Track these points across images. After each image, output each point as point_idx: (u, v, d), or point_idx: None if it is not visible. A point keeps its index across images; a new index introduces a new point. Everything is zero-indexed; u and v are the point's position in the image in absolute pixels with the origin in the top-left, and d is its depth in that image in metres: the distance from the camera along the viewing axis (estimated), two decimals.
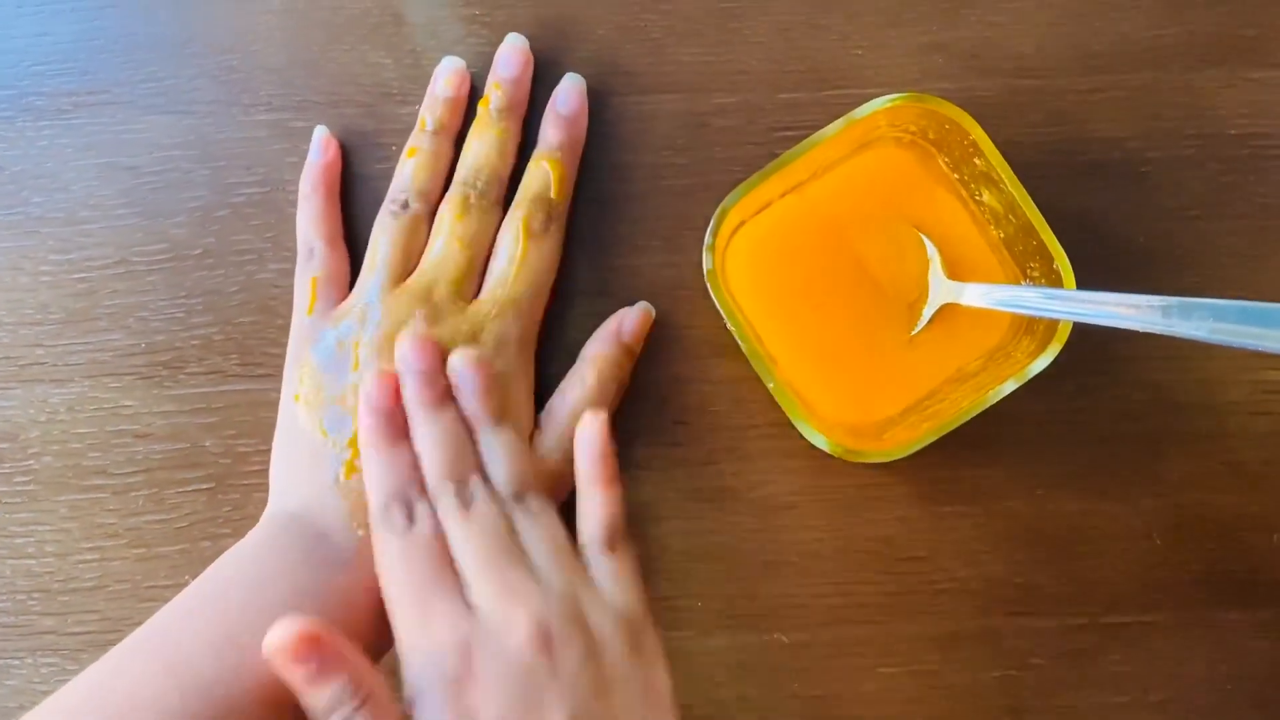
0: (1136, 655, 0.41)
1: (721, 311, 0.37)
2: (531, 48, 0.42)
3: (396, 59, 0.44)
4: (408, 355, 0.37)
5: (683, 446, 0.41)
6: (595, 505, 0.35)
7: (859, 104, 0.38)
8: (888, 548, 0.41)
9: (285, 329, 0.41)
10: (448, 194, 0.41)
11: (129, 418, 0.42)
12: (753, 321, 0.39)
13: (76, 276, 0.43)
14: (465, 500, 0.35)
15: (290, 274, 0.42)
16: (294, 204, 0.42)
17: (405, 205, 0.40)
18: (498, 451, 0.37)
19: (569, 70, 0.43)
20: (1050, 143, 0.43)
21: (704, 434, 0.41)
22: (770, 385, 0.37)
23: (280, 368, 0.40)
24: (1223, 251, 0.42)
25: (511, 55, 0.42)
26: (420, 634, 0.33)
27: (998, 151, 0.37)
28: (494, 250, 0.40)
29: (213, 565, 0.36)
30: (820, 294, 0.40)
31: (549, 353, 0.42)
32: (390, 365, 0.38)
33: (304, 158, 0.42)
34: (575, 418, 0.38)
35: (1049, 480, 0.42)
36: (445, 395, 0.37)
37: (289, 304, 0.41)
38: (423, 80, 0.43)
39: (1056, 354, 0.37)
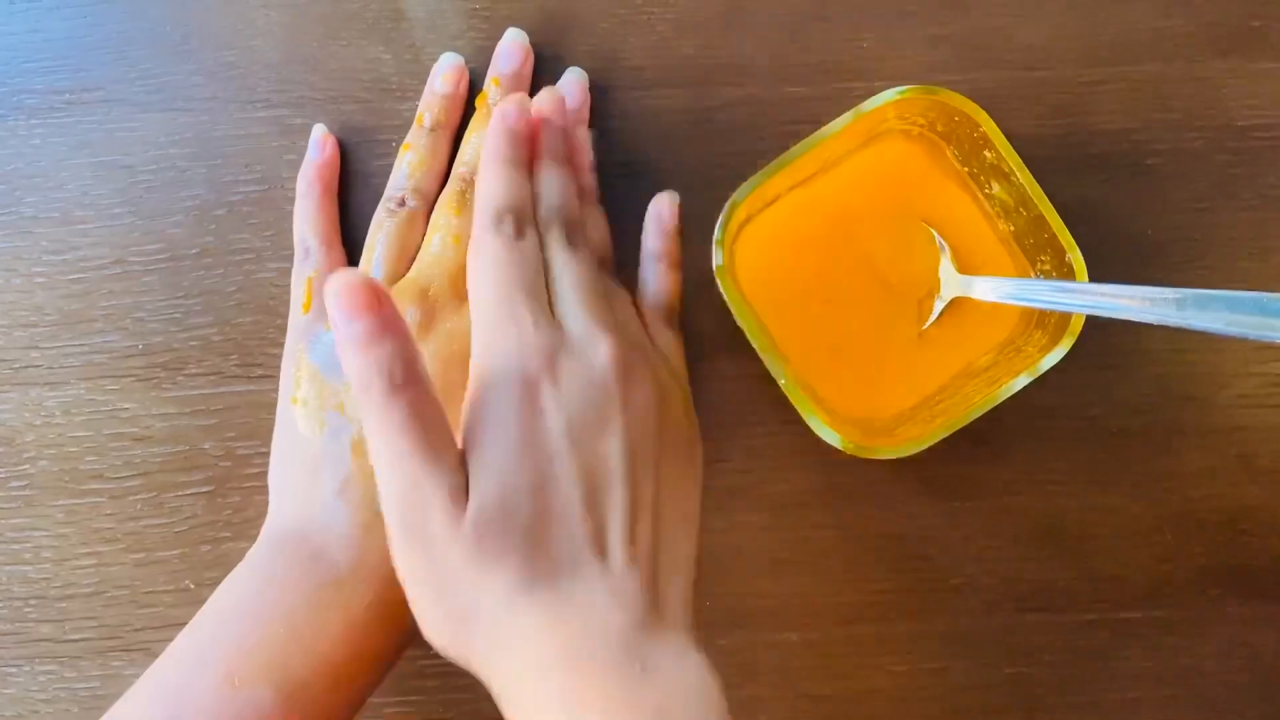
0: (1148, 650, 0.41)
1: (731, 307, 0.37)
2: (532, 42, 0.42)
3: (396, 54, 0.43)
4: (552, 106, 0.38)
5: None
6: (660, 280, 0.39)
7: (865, 97, 0.38)
8: (898, 544, 0.41)
9: (284, 329, 0.40)
10: (445, 190, 0.40)
11: (126, 420, 0.41)
12: (762, 317, 0.38)
13: (72, 277, 0.42)
14: (572, 240, 0.36)
15: (289, 273, 0.41)
16: (292, 202, 0.42)
17: (402, 202, 0.40)
18: (598, 224, 0.40)
19: (572, 65, 0.42)
20: (1057, 135, 0.43)
21: (712, 431, 0.41)
22: (782, 382, 0.36)
23: (280, 369, 0.40)
24: (1231, 243, 0.42)
25: (512, 49, 0.42)
26: (504, 331, 0.32)
27: (1008, 143, 0.37)
28: None
29: (210, 599, 0.35)
30: (829, 289, 0.39)
31: None
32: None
33: (303, 155, 0.42)
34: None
35: (1058, 475, 0.41)
36: (567, 161, 0.39)
37: (289, 304, 0.41)
38: (422, 76, 0.42)
39: (1069, 348, 0.36)
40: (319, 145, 0.42)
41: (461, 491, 0.30)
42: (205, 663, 0.34)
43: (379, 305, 0.29)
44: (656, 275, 0.39)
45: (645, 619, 0.30)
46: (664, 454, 0.33)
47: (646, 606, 0.30)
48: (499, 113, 0.37)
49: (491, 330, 0.33)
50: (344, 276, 0.28)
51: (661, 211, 0.40)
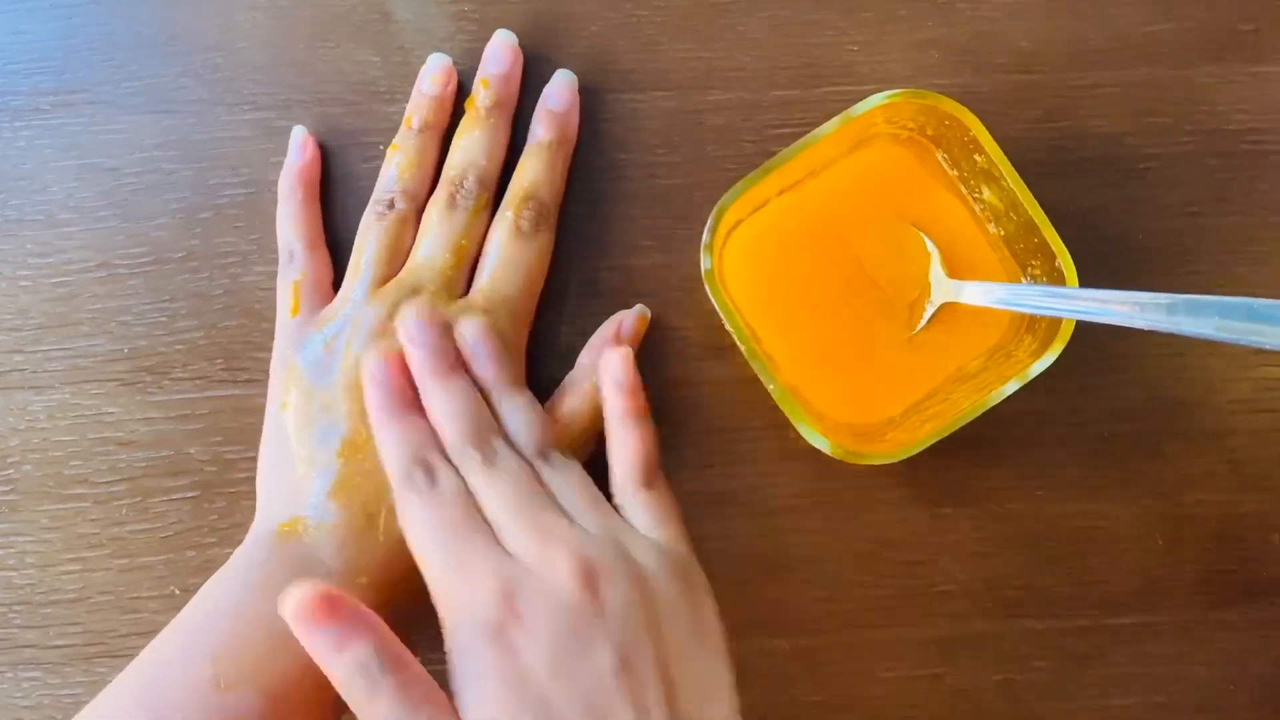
0: (1139, 656, 0.41)
1: (720, 312, 0.37)
2: (521, 45, 0.42)
3: (384, 56, 0.43)
4: (413, 330, 0.36)
5: (680, 450, 0.41)
6: (626, 443, 0.35)
7: (854, 101, 0.38)
8: (888, 550, 0.41)
9: (271, 333, 0.40)
10: (435, 193, 0.40)
11: (111, 425, 0.41)
12: (751, 322, 0.38)
13: (56, 280, 0.42)
14: (488, 458, 0.34)
15: (276, 276, 0.41)
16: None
17: (391, 205, 0.40)
18: (517, 413, 0.36)
19: (559, 67, 0.42)
20: (1047, 139, 0.42)
21: (700, 437, 0.41)
22: (771, 387, 0.36)
23: (266, 373, 0.40)
24: (1223, 248, 0.42)
25: (500, 51, 0.41)
26: (458, 585, 0.31)
27: (998, 147, 0.37)
28: (483, 250, 0.40)
29: (194, 599, 0.35)
30: (818, 294, 0.39)
31: (540, 355, 0.41)
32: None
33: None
34: (571, 426, 0.37)
35: (1049, 480, 0.41)
36: (456, 364, 0.37)
37: (275, 307, 0.40)
38: (410, 78, 0.42)
39: (1059, 353, 0.36)
40: (300, 147, 0.41)
41: None
42: (190, 664, 0.33)
43: (336, 611, 0.28)
44: (622, 440, 0.35)
45: None
46: (664, 644, 0.31)
47: None
48: (364, 374, 0.36)
49: (445, 588, 0.32)
50: (295, 595, 0.28)
51: (615, 371, 0.36)
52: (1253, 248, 0.42)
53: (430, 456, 0.34)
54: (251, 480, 0.39)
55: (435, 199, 0.40)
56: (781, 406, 0.36)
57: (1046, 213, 0.37)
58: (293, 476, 0.37)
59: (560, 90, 0.41)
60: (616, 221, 0.42)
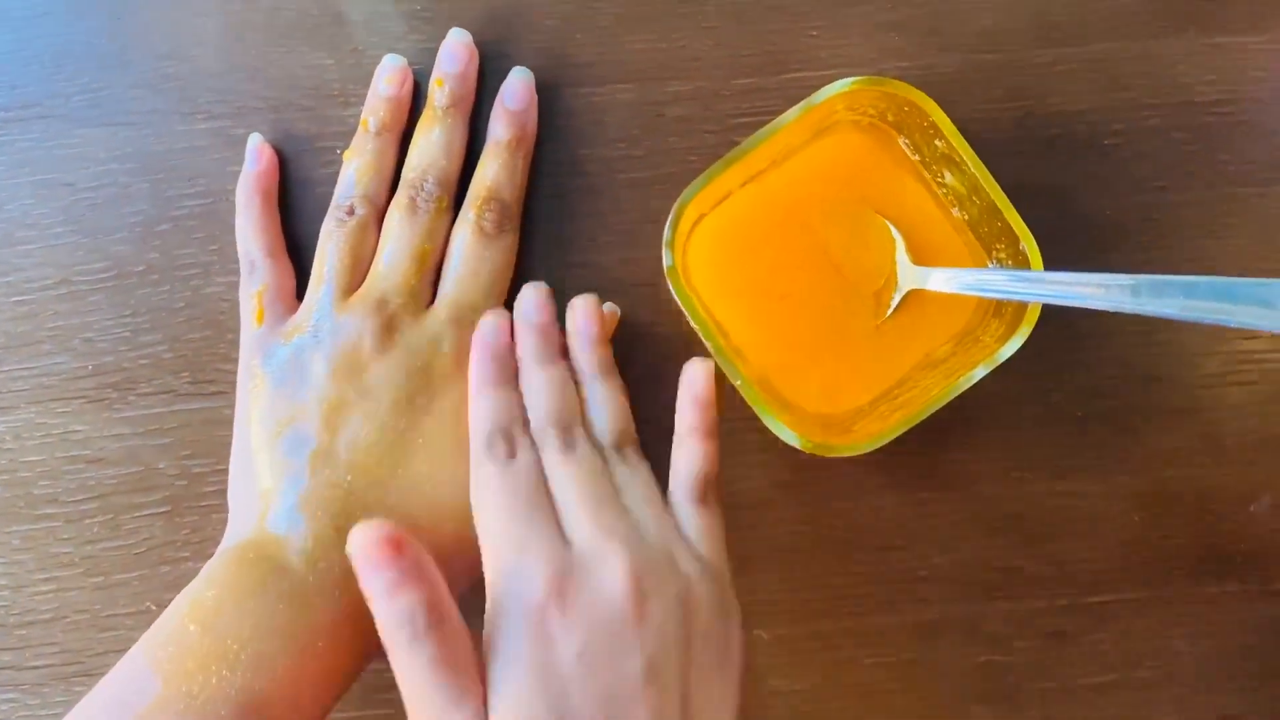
0: (1120, 633, 0.41)
1: (683, 308, 0.36)
2: (477, 42, 0.41)
3: (338, 59, 0.42)
4: (529, 309, 0.38)
5: (651, 448, 0.40)
6: (691, 456, 0.36)
7: (817, 87, 0.37)
8: (864, 538, 0.41)
9: (236, 344, 0.40)
10: (395, 197, 0.40)
11: (79, 443, 0.41)
12: (717, 316, 0.38)
13: (16, 299, 0.41)
14: (568, 444, 0.35)
15: (238, 287, 0.41)
16: None
17: (351, 211, 0.39)
18: (602, 402, 0.37)
19: (516, 64, 0.41)
20: (1012, 118, 0.42)
21: (672, 433, 0.40)
22: (737, 382, 0.36)
23: (233, 384, 0.39)
24: (1191, 222, 0.42)
25: (455, 49, 0.41)
26: (514, 557, 0.32)
27: (958, 132, 0.37)
28: (447, 253, 0.39)
29: (167, 612, 0.35)
30: (784, 285, 0.39)
31: None
32: (353, 382, 0.37)
33: None
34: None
35: (1024, 462, 0.41)
36: (559, 350, 0.38)
37: (239, 318, 0.40)
38: (365, 80, 0.41)
39: (1026, 337, 0.36)
40: (255, 155, 0.41)
41: None
42: (168, 680, 0.33)
43: (400, 556, 0.29)
44: (688, 453, 0.36)
45: None
46: (690, 661, 0.32)
47: None
48: (477, 335, 0.37)
49: (498, 558, 0.33)
50: (365, 532, 0.29)
51: (695, 385, 0.36)
52: (1222, 221, 0.42)
53: (515, 429, 0.36)
54: (222, 493, 0.39)
55: (396, 203, 0.39)
56: (749, 401, 0.36)
57: (1014, 193, 0.37)
58: (261, 488, 0.37)
59: (517, 88, 0.41)
60: (580, 218, 0.42)
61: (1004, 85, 0.42)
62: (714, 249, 0.39)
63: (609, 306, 0.40)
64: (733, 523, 0.40)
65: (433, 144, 0.40)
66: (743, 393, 0.36)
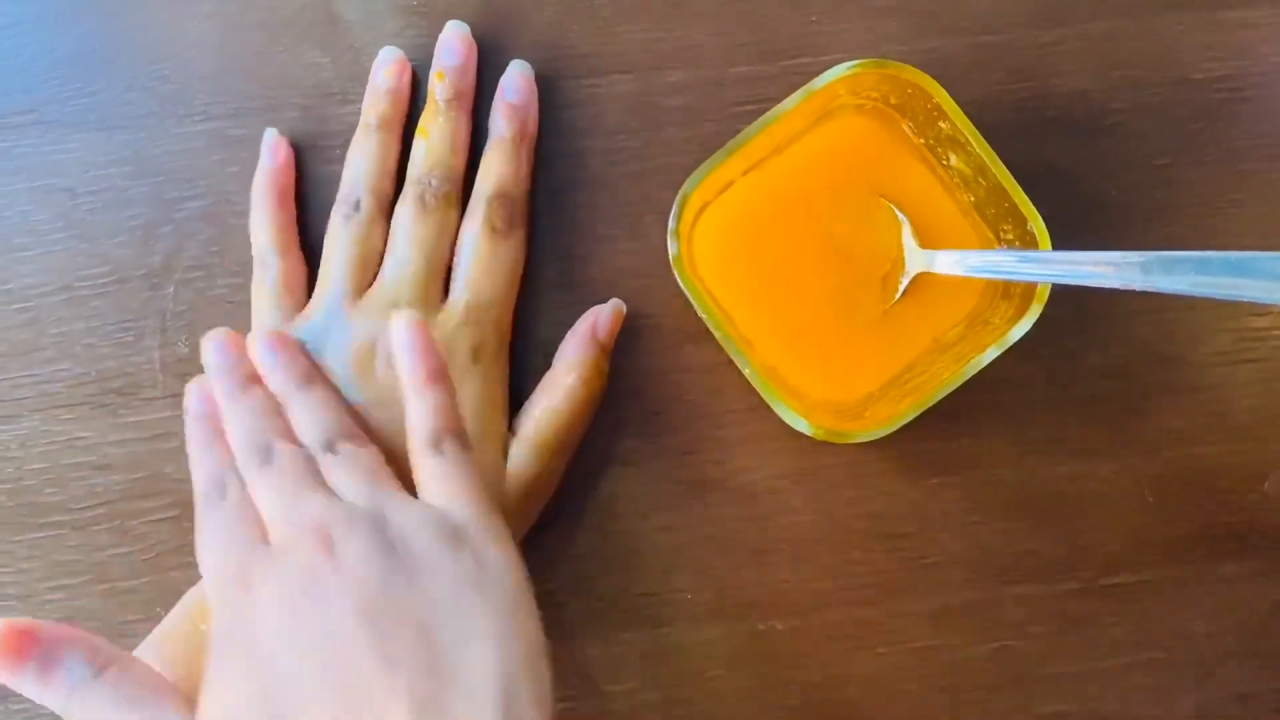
0: (1134, 615, 0.41)
1: (690, 297, 0.36)
2: (474, 35, 0.41)
3: (334, 58, 0.42)
4: (209, 354, 0.37)
5: (660, 438, 0.40)
6: (417, 407, 0.33)
7: (817, 73, 0.37)
8: (876, 525, 0.41)
9: None
10: (403, 195, 0.39)
11: (84, 449, 0.41)
12: (724, 305, 0.38)
13: (17, 307, 0.41)
14: (264, 460, 0.33)
15: (242, 288, 0.41)
16: (239, 215, 0.41)
17: (356, 205, 0.39)
18: (302, 412, 0.35)
19: (515, 56, 0.41)
20: (1015, 100, 0.42)
21: (681, 424, 0.40)
22: (747, 370, 0.36)
23: None
24: (1197, 199, 0.41)
25: (454, 42, 0.40)
26: (217, 575, 0.31)
27: (962, 113, 0.36)
28: (456, 250, 0.39)
29: (174, 611, 0.35)
30: (791, 272, 0.39)
31: (519, 350, 0.40)
32: (367, 383, 0.37)
33: (245, 166, 0.41)
34: (554, 426, 0.37)
35: (1035, 445, 0.41)
36: (247, 379, 0.36)
37: (242, 319, 0.40)
38: (362, 78, 0.41)
39: (1037, 317, 0.36)
40: (271, 151, 0.41)
41: None
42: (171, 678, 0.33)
43: (34, 643, 0.28)
44: (414, 405, 0.33)
45: None
46: (421, 595, 0.29)
47: None
48: (185, 406, 0.36)
49: (209, 586, 0.32)
50: None
51: (399, 333, 0.34)
52: (1229, 196, 0.42)
53: (224, 475, 0.34)
54: None
55: (404, 201, 0.39)
56: (759, 390, 0.36)
57: (1018, 174, 0.36)
58: None
59: (517, 82, 0.40)
60: (583, 210, 0.41)
61: (1005, 67, 0.42)
62: (719, 238, 0.38)
63: (615, 303, 0.40)
64: (744, 513, 0.40)
65: (436, 140, 0.40)
66: (752, 381, 0.36)
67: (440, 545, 0.30)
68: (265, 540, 0.31)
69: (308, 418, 0.35)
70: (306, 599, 0.29)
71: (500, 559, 0.31)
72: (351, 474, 0.33)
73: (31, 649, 0.28)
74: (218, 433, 0.36)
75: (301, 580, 0.29)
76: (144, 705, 0.29)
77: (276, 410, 0.36)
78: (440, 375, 0.34)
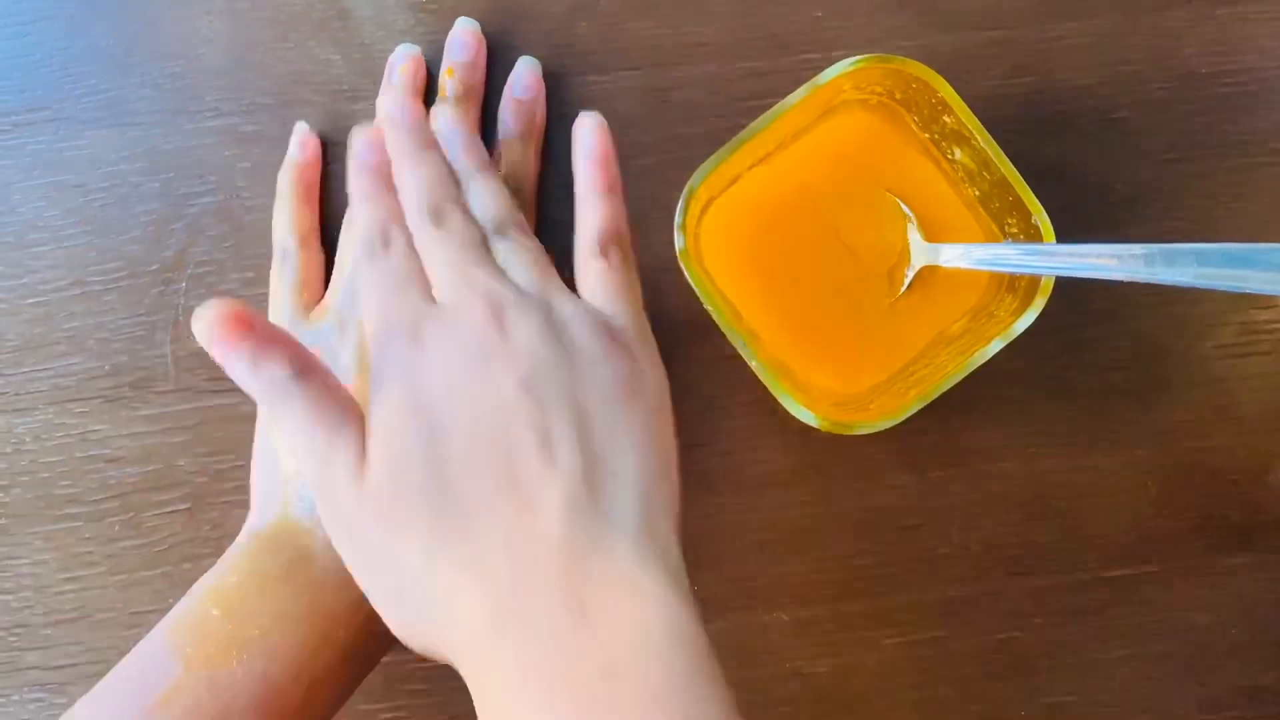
0: (1140, 607, 0.41)
1: (697, 291, 0.36)
2: (483, 31, 0.41)
3: (345, 54, 0.42)
4: (392, 110, 0.36)
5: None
6: (590, 211, 0.34)
7: (822, 68, 0.37)
8: (882, 517, 0.41)
9: None
10: None
11: (98, 442, 0.41)
12: (730, 298, 0.38)
13: (31, 301, 0.42)
14: (439, 221, 0.33)
15: (254, 283, 0.41)
16: (250, 211, 0.41)
17: None
18: (481, 193, 0.35)
19: (522, 53, 0.41)
20: (1018, 95, 0.42)
21: (688, 417, 0.41)
22: (753, 363, 0.36)
23: None
24: (1201, 193, 0.42)
25: (464, 39, 0.41)
26: (382, 322, 0.31)
27: (967, 108, 0.37)
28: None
29: (186, 597, 0.35)
30: (797, 266, 0.39)
31: None
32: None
33: (256, 162, 0.41)
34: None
35: (1040, 438, 0.41)
36: (428, 143, 0.36)
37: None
38: (373, 74, 0.41)
39: (1041, 310, 0.36)
40: (301, 144, 0.41)
41: (365, 462, 0.29)
42: (190, 663, 0.33)
43: (250, 330, 0.28)
44: (587, 209, 0.34)
45: (579, 549, 0.27)
46: (580, 383, 0.29)
47: (576, 537, 0.27)
48: (350, 153, 0.35)
49: (371, 325, 0.32)
50: (206, 314, 0.28)
51: (586, 142, 0.34)
52: (1232, 190, 0.42)
53: (390, 228, 0.33)
54: (243, 489, 0.39)
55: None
56: (765, 382, 0.36)
57: (1023, 169, 0.37)
58: (283, 474, 0.37)
59: (525, 78, 0.41)
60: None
61: (1009, 62, 0.42)
62: (725, 231, 0.39)
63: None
64: (751, 504, 0.41)
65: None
66: (758, 374, 0.36)
67: (601, 342, 0.30)
68: (433, 299, 0.31)
69: (484, 199, 0.35)
70: (477, 362, 0.29)
71: (651, 367, 0.32)
72: (521, 259, 0.33)
73: (249, 336, 0.28)
74: (386, 184, 0.35)
75: (474, 343, 0.30)
76: (327, 418, 0.29)
77: (454, 180, 0.35)
78: (617, 188, 0.34)
